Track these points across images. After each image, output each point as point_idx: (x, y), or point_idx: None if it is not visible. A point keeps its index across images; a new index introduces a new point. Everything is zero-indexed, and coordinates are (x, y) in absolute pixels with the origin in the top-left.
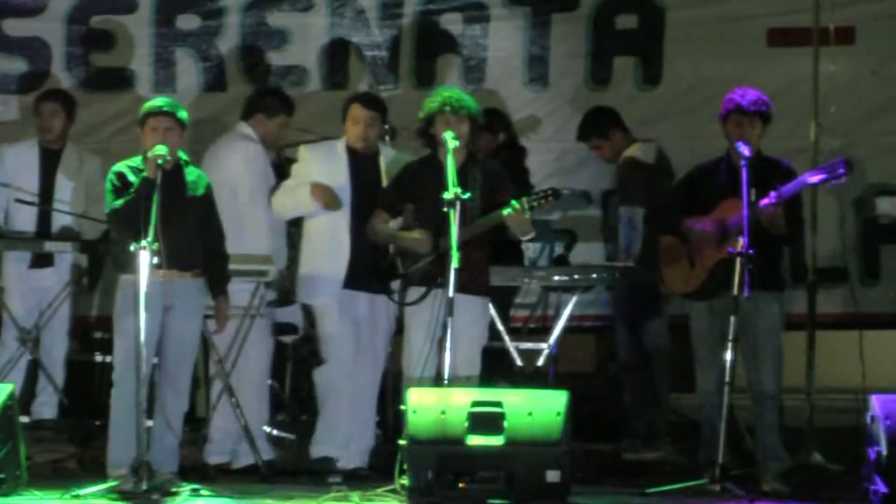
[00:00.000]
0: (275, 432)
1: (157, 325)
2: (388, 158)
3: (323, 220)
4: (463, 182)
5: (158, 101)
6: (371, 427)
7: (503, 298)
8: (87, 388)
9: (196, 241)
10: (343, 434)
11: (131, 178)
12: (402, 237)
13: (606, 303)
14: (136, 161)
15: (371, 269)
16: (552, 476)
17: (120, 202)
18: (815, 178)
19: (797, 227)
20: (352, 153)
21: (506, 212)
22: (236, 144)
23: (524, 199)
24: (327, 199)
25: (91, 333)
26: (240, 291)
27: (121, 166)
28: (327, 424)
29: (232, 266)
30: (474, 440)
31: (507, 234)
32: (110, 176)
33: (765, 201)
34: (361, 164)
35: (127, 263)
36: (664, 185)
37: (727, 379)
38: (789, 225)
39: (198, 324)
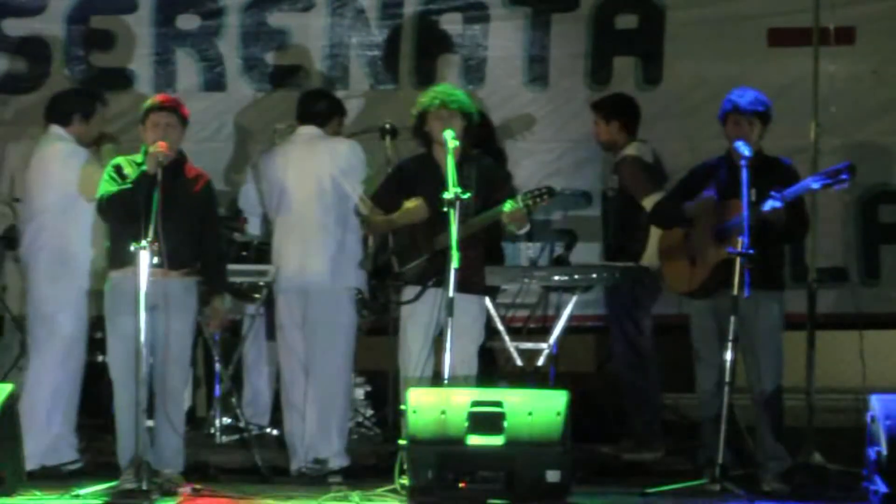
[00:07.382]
0: (275, 432)
1: (147, 324)
2: None
3: None
4: (459, 180)
5: (160, 98)
6: None
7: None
8: (89, 387)
9: (189, 239)
10: None
11: (128, 170)
12: (399, 215)
13: None
14: (137, 158)
15: None
16: (552, 476)
17: (114, 189)
18: (817, 184)
19: (804, 226)
20: None
21: (507, 207)
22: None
23: (520, 197)
24: None
25: (92, 333)
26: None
27: (120, 159)
28: None
29: (232, 266)
30: (474, 440)
31: (503, 231)
32: (108, 168)
33: (768, 206)
34: None
35: (120, 259)
36: (662, 185)
37: (727, 379)
38: (795, 224)
39: (188, 323)
